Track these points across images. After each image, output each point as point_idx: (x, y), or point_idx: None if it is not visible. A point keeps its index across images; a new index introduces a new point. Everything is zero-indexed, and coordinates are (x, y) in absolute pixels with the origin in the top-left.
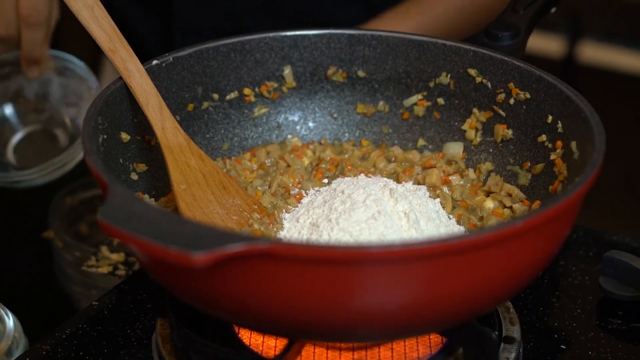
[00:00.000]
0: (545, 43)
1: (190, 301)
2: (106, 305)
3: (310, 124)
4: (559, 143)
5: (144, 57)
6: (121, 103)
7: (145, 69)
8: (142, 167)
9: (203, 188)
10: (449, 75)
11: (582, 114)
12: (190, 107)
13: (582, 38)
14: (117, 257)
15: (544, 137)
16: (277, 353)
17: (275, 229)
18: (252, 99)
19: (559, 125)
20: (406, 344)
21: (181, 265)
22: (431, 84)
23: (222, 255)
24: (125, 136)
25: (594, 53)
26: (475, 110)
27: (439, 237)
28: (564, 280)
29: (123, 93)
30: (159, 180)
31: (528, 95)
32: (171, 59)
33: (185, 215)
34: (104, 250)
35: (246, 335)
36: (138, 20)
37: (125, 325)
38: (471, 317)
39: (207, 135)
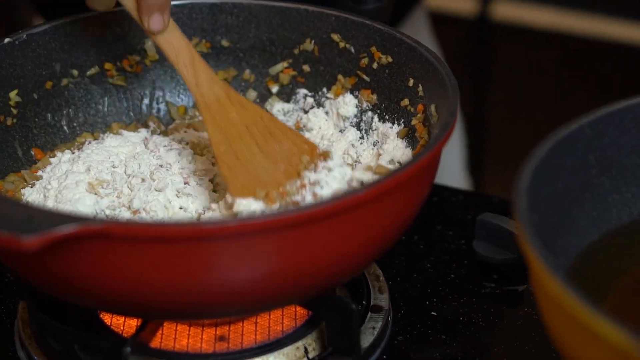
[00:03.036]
0: (456, 2)
1: (36, 285)
2: None
3: (176, 97)
4: (420, 107)
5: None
6: None
7: None
8: None
9: (246, 141)
10: (313, 42)
11: (440, 76)
12: (49, 84)
13: None
14: None
15: (406, 101)
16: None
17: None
18: (114, 73)
19: (420, 88)
20: (271, 317)
21: (12, 249)
22: (296, 51)
23: (54, 238)
24: None
25: (507, 10)
26: (340, 76)
27: (276, 210)
28: (439, 245)
29: None
30: None
31: (390, 59)
32: (24, 36)
33: (228, 182)
34: None
35: (107, 316)
36: None
37: None
38: (331, 285)
39: (69, 112)
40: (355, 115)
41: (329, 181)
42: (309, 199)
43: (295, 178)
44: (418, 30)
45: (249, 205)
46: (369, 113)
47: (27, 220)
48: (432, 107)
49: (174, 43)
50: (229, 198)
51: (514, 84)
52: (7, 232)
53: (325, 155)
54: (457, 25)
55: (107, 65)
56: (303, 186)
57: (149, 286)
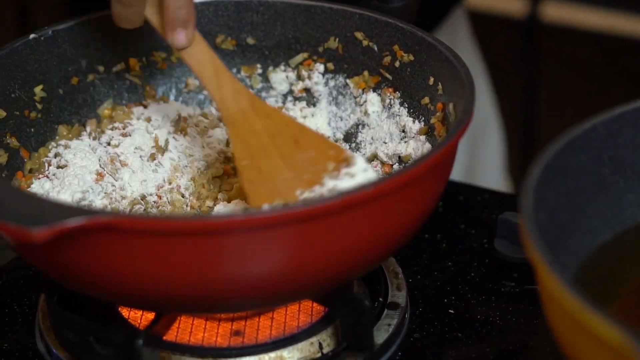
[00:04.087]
0: (506, 2)
1: (50, 276)
2: None
3: (204, 93)
4: (439, 105)
5: None
6: None
7: (21, 44)
8: None
9: (269, 153)
10: (337, 40)
11: (458, 74)
12: (75, 80)
13: None
14: None
15: (427, 100)
16: None
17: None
18: (139, 72)
19: (439, 86)
20: (287, 312)
21: (22, 240)
22: (320, 49)
23: (62, 230)
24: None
25: (557, 11)
26: (365, 72)
27: (284, 205)
28: (461, 244)
29: None
30: None
31: (412, 57)
32: (50, 32)
33: (249, 196)
34: None
35: (125, 310)
36: None
37: (13, 302)
38: (344, 280)
39: (95, 107)
40: (382, 111)
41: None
42: None
43: (317, 186)
44: (457, 32)
45: None
46: (397, 105)
47: (37, 213)
48: (450, 106)
49: (199, 57)
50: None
51: (563, 86)
52: (17, 224)
53: (348, 161)
54: (506, 26)
55: (133, 62)
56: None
57: (158, 279)
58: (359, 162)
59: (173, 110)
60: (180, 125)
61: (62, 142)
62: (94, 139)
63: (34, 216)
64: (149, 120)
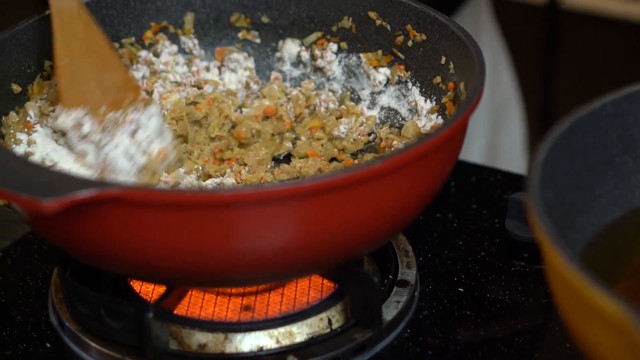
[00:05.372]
0: None
1: (61, 248)
2: (10, 255)
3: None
4: (450, 84)
5: None
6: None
7: (37, 20)
8: None
9: (85, 62)
10: (351, 19)
11: (469, 54)
12: None
13: None
14: None
15: (439, 79)
16: None
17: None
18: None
19: (451, 66)
20: (297, 288)
21: (32, 211)
22: (334, 28)
23: (72, 202)
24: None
25: None
26: (379, 52)
27: (292, 180)
28: (473, 223)
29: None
30: None
31: (424, 37)
32: None
33: (63, 98)
34: None
35: (137, 284)
36: None
37: (27, 275)
38: (352, 256)
39: None
40: (391, 83)
41: (149, 125)
42: (126, 138)
43: (120, 110)
44: (479, 15)
45: (76, 116)
46: (409, 84)
47: (48, 184)
48: (462, 85)
49: None
50: (58, 110)
51: (583, 71)
52: (28, 195)
53: (147, 102)
54: (528, 11)
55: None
56: (124, 122)
57: (167, 252)
58: (155, 106)
59: None
60: None
61: (22, 137)
62: (46, 126)
63: (44, 187)
64: None
